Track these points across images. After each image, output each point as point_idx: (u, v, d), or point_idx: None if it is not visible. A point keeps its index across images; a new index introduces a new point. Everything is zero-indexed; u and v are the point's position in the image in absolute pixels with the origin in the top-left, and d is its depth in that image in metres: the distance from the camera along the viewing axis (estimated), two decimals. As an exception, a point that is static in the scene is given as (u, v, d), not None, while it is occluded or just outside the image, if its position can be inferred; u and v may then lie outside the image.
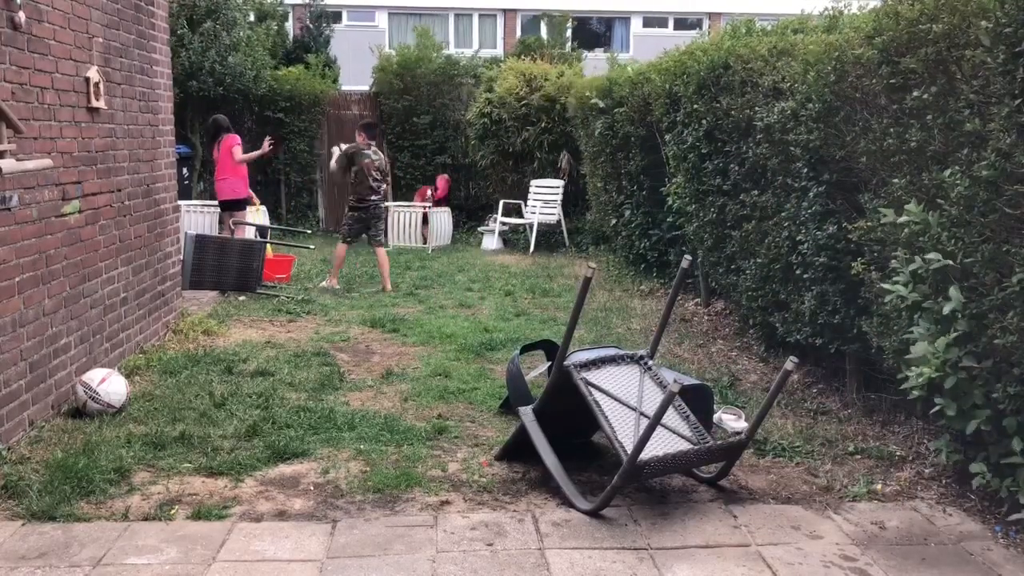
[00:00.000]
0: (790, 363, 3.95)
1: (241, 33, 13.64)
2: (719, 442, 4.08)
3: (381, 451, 4.54)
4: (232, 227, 9.88)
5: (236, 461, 4.35)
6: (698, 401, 4.38)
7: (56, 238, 4.97)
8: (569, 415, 4.28)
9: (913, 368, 3.80)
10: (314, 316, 7.95)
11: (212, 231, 10.84)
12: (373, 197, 9.39)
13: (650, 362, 4.40)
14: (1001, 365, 3.61)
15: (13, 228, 4.48)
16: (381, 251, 9.50)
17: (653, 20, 25.22)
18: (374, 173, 9.29)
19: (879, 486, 4.18)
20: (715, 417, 4.66)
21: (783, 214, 5.53)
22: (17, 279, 4.53)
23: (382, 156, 9.57)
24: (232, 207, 10.12)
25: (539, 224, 12.82)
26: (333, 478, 4.21)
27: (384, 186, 9.55)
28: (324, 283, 9.38)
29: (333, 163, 9.66)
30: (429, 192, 14.19)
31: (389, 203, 13.99)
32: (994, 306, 3.60)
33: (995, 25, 3.56)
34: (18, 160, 4.38)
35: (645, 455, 3.73)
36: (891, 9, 4.37)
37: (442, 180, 14.48)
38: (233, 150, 10.05)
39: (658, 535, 3.70)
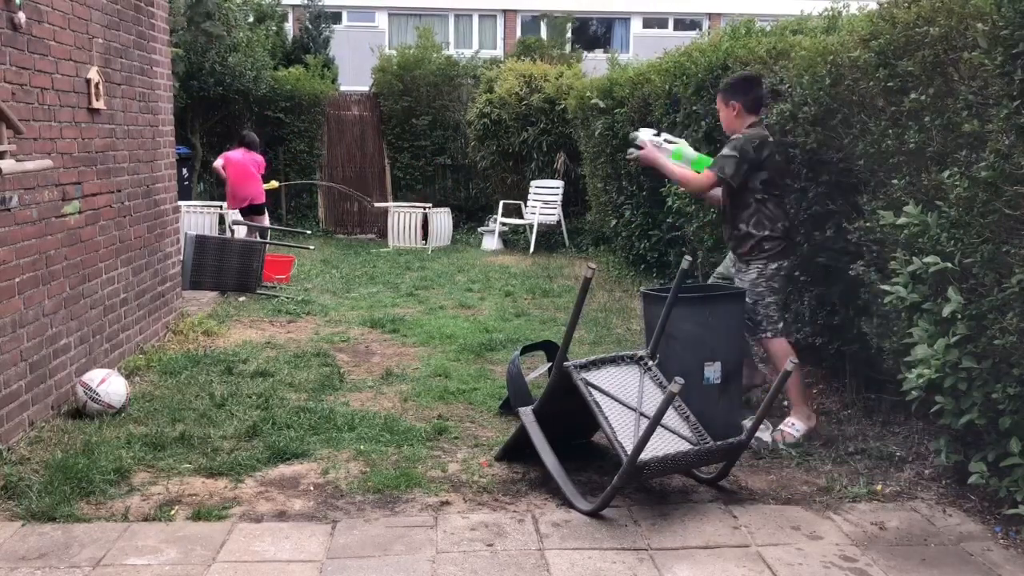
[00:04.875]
0: (790, 363, 3.95)
1: (241, 34, 13.67)
2: (719, 442, 4.08)
3: (381, 451, 4.55)
4: (232, 228, 9.94)
5: (236, 461, 4.35)
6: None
7: (56, 239, 4.97)
8: (569, 416, 4.28)
9: (912, 369, 3.81)
10: (314, 317, 7.95)
11: (212, 232, 10.89)
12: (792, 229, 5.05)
13: (650, 362, 4.41)
14: (1000, 366, 3.61)
15: (13, 229, 4.49)
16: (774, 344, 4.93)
17: (653, 21, 25.25)
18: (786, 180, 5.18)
19: (879, 487, 4.19)
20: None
21: (783, 215, 5.53)
22: (17, 280, 4.53)
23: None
24: (256, 211, 10.45)
25: (539, 224, 12.83)
26: (333, 479, 4.22)
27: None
28: (792, 430, 4.74)
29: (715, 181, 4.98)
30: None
31: (388, 204, 14.06)
32: (993, 307, 3.60)
33: (992, 27, 3.57)
34: (18, 161, 4.39)
35: (645, 455, 3.74)
36: (887, 12, 4.38)
37: None
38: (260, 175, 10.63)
39: (658, 536, 3.70)
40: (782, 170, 4.97)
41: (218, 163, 10.60)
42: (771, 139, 4.92)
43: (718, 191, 5.05)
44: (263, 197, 10.61)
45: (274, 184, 11.76)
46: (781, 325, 4.91)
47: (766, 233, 4.82)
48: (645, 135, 5.41)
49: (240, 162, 10.36)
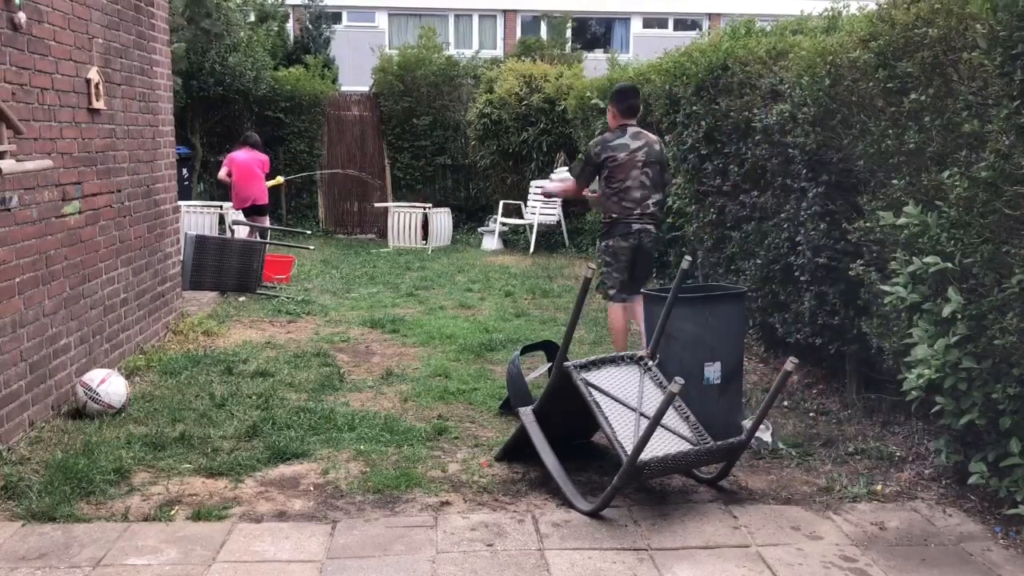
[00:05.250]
0: (790, 364, 3.95)
1: (241, 34, 13.67)
2: (719, 442, 4.08)
3: (381, 452, 4.55)
4: (232, 228, 9.93)
5: (236, 462, 4.35)
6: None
7: (56, 239, 4.97)
8: (569, 416, 4.28)
9: (913, 369, 3.81)
10: (314, 317, 7.95)
11: (212, 232, 10.88)
12: (634, 214, 5.82)
13: (650, 363, 4.41)
14: (1000, 366, 3.61)
15: (13, 229, 4.49)
16: (638, 305, 5.76)
17: (653, 21, 25.24)
18: (637, 173, 5.80)
19: (879, 487, 4.19)
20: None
21: (782, 215, 5.53)
22: (17, 280, 4.53)
23: (652, 141, 5.92)
24: (258, 211, 10.37)
25: (539, 224, 12.83)
26: (333, 479, 4.22)
27: (659, 195, 5.94)
28: None
29: (587, 192, 6.23)
30: None
31: (388, 204, 14.06)
32: (993, 307, 3.60)
33: (991, 29, 3.57)
34: (18, 161, 4.39)
35: (645, 456, 3.74)
36: (886, 14, 4.38)
37: None
38: (263, 174, 10.50)
39: (658, 536, 3.70)
40: (621, 165, 5.79)
41: (222, 173, 10.46)
42: (616, 141, 5.83)
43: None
44: (266, 198, 10.54)
45: (279, 180, 11.79)
46: (613, 292, 5.88)
47: (602, 217, 5.96)
48: (559, 175, 6.28)
49: (244, 162, 10.28)
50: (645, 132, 5.94)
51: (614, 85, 5.92)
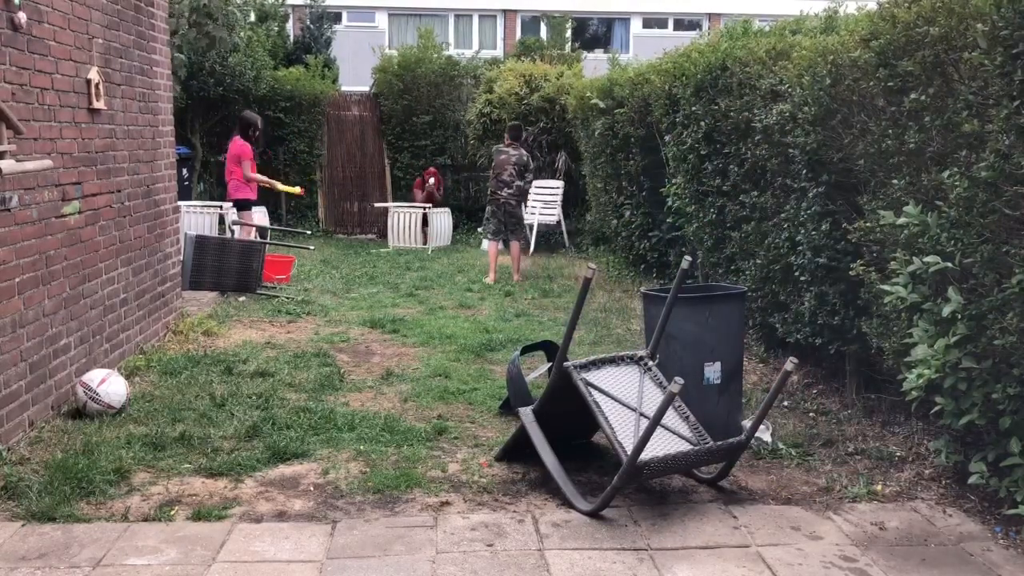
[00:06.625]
0: (790, 364, 3.95)
1: (242, 34, 13.67)
2: (719, 442, 4.08)
3: (381, 452, 4.55)
4: (232, 229, 9.88)
5: (236, 462, 4.35)
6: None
7: (56, 239, 4.97)
8: (569, 416, 4.28)
9: (913, 369, 3.81)
10: (314, 317, 7.95)
11: (212, 232, 10.85)
12: (502, 192, 10.00)
13: (650, 363, 4.41)
14: (1000, 366, 3.61)
15: (13, 229, 4.49)
16: (514, 244, 10.22)
17: (653, 21, 25.23)
18: (508, 168, 9.97)
19: (879, 487, 4.19)
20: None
21: (782, 215, 5.53)
22: (17, 280, 4.53)
23: (521, 153, 10.07)
24: (239, 206, 10.06)
25: (539, 225, 12.83)
26: (333, 479, 4.22)
27: (519, 183, 10.02)
28: (487, 279, 9.94)
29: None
30: (432, 180, 14.01)
31: (388, 204, 14.08)
32: (993, 307, 3.60)
33: (992, 28, 3.57)
34: (18, 161, 4.39)
35: (645, 456, 3.74)
36: (887, 12, 4.38)
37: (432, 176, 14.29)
38: (243, 164, 9.74)
39: (658, 536, 3.70)
40: (500, 162, 10.04)
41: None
42: (498, 153, 10.16)
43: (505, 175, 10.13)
44: (243, 193, 9.84)
45: (297, 190, 11.20)
46: (490, 235, 10.24)
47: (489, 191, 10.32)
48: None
49: (228, 157, 9.99)
50: (520, 148, 10.13)
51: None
